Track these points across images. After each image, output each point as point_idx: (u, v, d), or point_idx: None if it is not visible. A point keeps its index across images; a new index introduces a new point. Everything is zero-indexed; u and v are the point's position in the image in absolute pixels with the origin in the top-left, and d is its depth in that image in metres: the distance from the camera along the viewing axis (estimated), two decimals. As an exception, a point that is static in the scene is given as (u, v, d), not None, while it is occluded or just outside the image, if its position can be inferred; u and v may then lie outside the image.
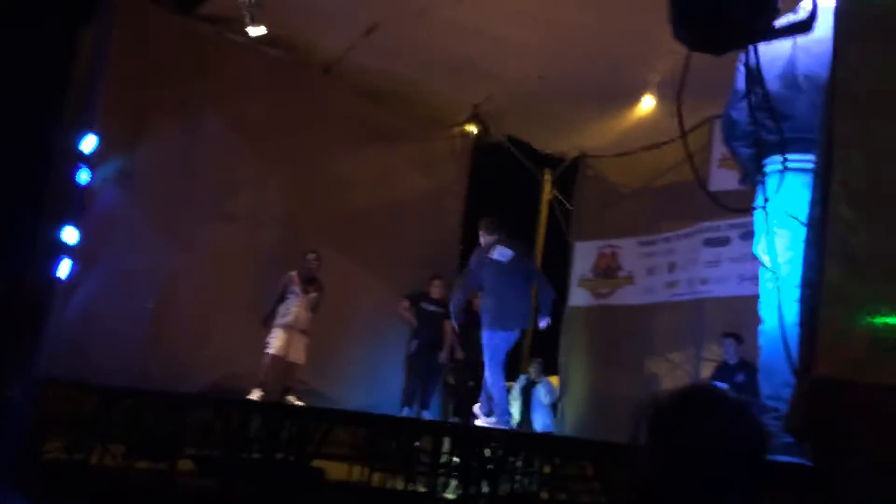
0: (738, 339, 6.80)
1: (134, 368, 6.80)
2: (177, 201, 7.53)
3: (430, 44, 7.63)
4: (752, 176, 2.79)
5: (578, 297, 9.23)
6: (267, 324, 7.31)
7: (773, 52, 2.65)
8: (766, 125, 2.63)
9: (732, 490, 1.43)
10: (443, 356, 8.34)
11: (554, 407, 8.86)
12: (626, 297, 8.78)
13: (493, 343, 6.29)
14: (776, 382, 2.43)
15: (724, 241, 7.63)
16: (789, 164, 2.56)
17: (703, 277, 7.87)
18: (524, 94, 8.36)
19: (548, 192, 10.46)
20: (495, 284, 6.32)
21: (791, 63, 2.67)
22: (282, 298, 7.38)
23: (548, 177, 10.44)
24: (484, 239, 6.52)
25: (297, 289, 7.41)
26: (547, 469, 5.58)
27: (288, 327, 7.28)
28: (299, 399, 7.13)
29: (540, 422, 8.49)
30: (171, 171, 7.52)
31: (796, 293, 2.11)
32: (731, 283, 7.37)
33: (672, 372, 8.05)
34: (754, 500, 1.52)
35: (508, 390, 7.53)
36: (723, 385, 6.67)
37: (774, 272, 2.32)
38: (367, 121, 8.82)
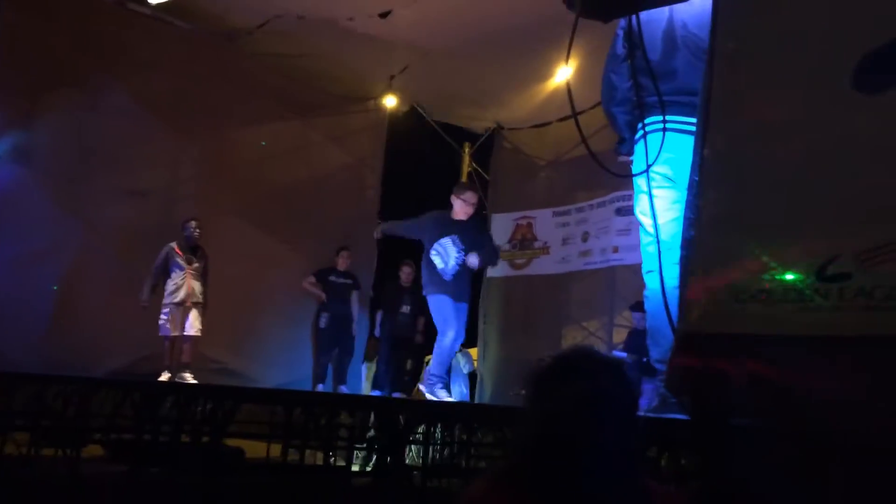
0: (642, 307, 6.98)
1: (39, 354, 6.57)
2: (80, 178, 7.26)
3: (342, 16, 7.50)
4: (629, 143, 2.85)
5: (496, 268, 9.31)
6: (145, 300, 7.02)
7: (653, 15, 2.69)
8: (647, 88, 2.68)
9: (606, 448, 1.47)
10: (355, 328, 8.37)
11: (472, 376, 8.99)
12: (542, 267, 8.90)
13: None
14: (663, 346, 2.50)
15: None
16: (670, 125, 2.62)
17: (615, 246, 8.04)
18: (440, 66, 8.31)
19: (467, 164, 10.50)
20: None
21: (670, 25, 2.73)
22: (166, 273, 7.10)
23: (467, 149, 10.48)
24: None
25: (180, 260, 7.11)
26: (465, 437, 5.65)
27: (179, 304, 7.01)
28: (195, 377, 6.93)
29: (457, 391, 8.61)
30: (72, 147, 7.24)
31: (678, 254, 2.16)
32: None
33: (587, 339, 8.24)
34: (631, 458, 1.57)
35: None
36: (621, 354, 6.88)
37: (655, 235, 2.37)
38: (282, 94, 8.66)
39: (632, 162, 2.92)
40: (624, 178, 2.91)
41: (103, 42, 7.38)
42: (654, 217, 2.41)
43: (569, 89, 2.49)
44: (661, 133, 2.76)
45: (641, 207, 2.65)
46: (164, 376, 6.78)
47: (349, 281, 8.47)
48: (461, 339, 6.20)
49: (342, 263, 8.44)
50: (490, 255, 6.48)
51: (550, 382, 1.56)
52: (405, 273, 8.58)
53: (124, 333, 7.14)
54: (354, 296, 8.48)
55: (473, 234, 6.14)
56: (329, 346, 8.25)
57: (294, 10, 7.54)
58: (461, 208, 6.04)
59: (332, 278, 8.38)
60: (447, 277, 5.91)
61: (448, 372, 6.46)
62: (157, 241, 7.49)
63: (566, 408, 1.49)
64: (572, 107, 2.59)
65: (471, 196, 6.11)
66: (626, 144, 2.96)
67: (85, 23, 7.29)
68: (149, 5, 7.08)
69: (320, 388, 8.03)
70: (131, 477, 5.36)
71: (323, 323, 8.28)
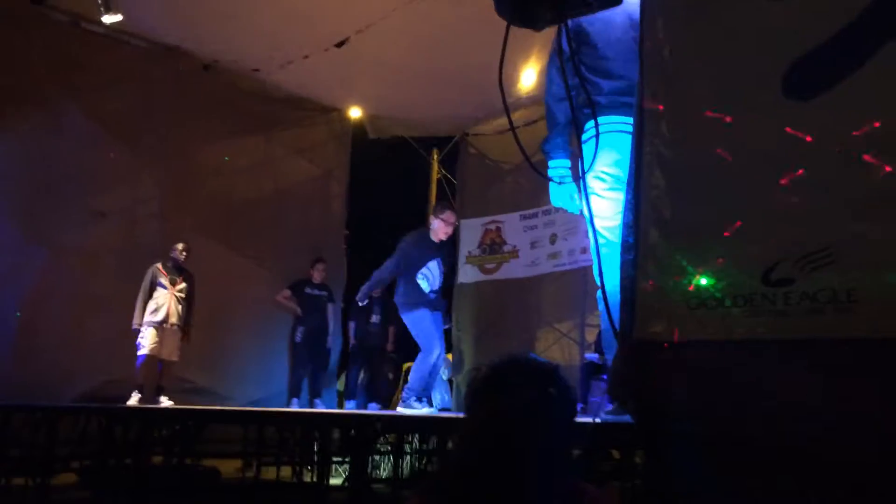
0: None
1: (3, 382, 6.44)
2: (40, 201, 7.14)
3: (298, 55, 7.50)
4: (552, 141, 2.88)
5: (467, 273, 9.32)
6: (138, 325, 6.96)
7: (609, 15, 2.71)
8: (597, 87, 2.70)
9: (538, 456, 1.47)
10: (329, 341, 8.33)
11: (450, 382, 8.99)
12: (512, 270, 8.91)
13: None
14: (615, 347, 2.50)
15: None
16: (620, 127, 2.63)
17: (584, 247, 8.06)
18: (404, 77, 8.30)
19: (436, 171, 10.51)
20: None
21: (622, 25, 2.75)
22: (150, 294, 7.05)
23: (435, 156, 10.51)
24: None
25: (164, 281, 7.07)
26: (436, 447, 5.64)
27: (158, 324, 6.94)
28: (171, 399, 6.87)
29: (439, 398, 8.59)
30: (30, 168, 7.13)
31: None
32: (609, 251, 7.58)
33: (560, 340, 8.25)
34: (565, 463, 1.57)
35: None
36: (592, 356, 6.91)
37: (594, 236, 2.38)
38: (244, 108, 8.60)
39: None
40: (564, 182, 2.91)
41: (60, 62, 7.29)
42: (590, 220, 2.41)
43: (505, 104, 2.49)
44: (617, 134, 2.78)
45: (593, 210, 2.64)
46: (135, 398, 6.69)
47: (324, 293, 8.43)
48: (443, 354, 6.22)
49: (317, 276, 8.40)
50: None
51: (485, 393, 1.56)
52: None
53: (90, 357, 7.02)
54: (330, 308, 8.44)
55: (447, 253, 6.34)
56: (305, 360, 8.19)
57: (248, 62, 7.73)
58: (441, 228, 6.15)
59: (308, 291, 8.33)
60: (431, 296, 5.99)
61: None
62: (122, 262, 7.43)
63: (498, 418, 1.49)
64: (509, 118, 2.60)
65: (450, 216, 6.26)
66: (548, 142, 2.97)
67: (41, 41, 7.21)
68: (103, 25, 7.00)
69: (295, 402, 7.97)
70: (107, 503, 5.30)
71: (299, 336, 8.22)
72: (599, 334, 7.48)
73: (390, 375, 9.52)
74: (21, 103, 7.08)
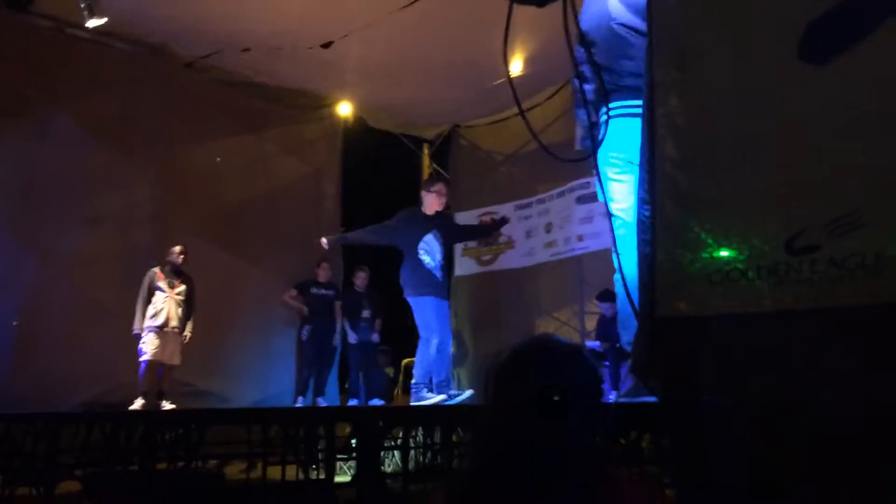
0: (608, 295, 6.93)
1: (4, 391, 6.38)
2: (33, 209, 7.11)
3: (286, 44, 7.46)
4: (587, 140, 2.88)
5: (464, 266, 9.30)
6: (138, 329, 6.90)
7: (592, 7, 2.70)
8: (610, 75, 2.69)
9: (570, 436, 1.43)
10: (336, 339, 8.29)
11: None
12: (508, 261, 8.90)
13: None
14: (632, 328, 2.48)
15: (596, 197, 7.83)
16: (628, 110, 2.62)
17: (580, 234, 8.06)
18: (393, 70, 8.25)
19: (427, 166, 10.48)
20: None
21: (607, 14, 2.74)
22: (149, 298, 7.01)
23: (426, 151, 10.47)
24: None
25: (162, 284, 7.02)
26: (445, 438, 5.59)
27: (159, 329, 6.90)
28: (173, 403, 6.82)
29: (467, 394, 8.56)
30: (20, 176, 7.10)
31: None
32: (605, 237, 7.55)
33: (560, 329, 8.24)
34: (594, 447, 1.53)
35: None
36: (593, 343, 6.86)
37: (611, 216, 2.36)
38: (234, 108, 8.56)
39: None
40: (579, 161, 2.89)
41: (47, 70, 7.26)
42: (606, 201, 2.40)
43: (512, 87, 2.47)
44: (621, 118, 2.77)
45: (608, 194, 2.63)
46: (138, 404, 6.64)
47: (331, 292, 8.42)
48: (449, 343, 6.05)
49: (322, 275, 8.38)
50: (470, 231, 6.96)
51: (511, 374, 1.51)
52: (360, 278, 8.55)
53: (90, 363, 6.98)
54: (338, 306, 8.41)
55: (447, 225, 6.20)
56: (313, 359, 8.15)
57: (237, 44, 7.61)
58: (435, 200, 5.97)
59: (314, 290, 8.31)
60: (438, 275, 5.82)
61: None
62: (117, 267, 7.39)
63: (522, 405, 1.44)
64: (518, 103, 2.58)
65: (442, 187, 6.08)
66: (582, 142, 2.98)
67: (25, 49, 7.15)
68: (87, 29, 6.93)
69: (300, 401, 7.94)
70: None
71: (305, 335, 8.19)
72: (599, 322, 7.48)
73: (390, 371, 9.50)
74: (7, 111, 7.01)
